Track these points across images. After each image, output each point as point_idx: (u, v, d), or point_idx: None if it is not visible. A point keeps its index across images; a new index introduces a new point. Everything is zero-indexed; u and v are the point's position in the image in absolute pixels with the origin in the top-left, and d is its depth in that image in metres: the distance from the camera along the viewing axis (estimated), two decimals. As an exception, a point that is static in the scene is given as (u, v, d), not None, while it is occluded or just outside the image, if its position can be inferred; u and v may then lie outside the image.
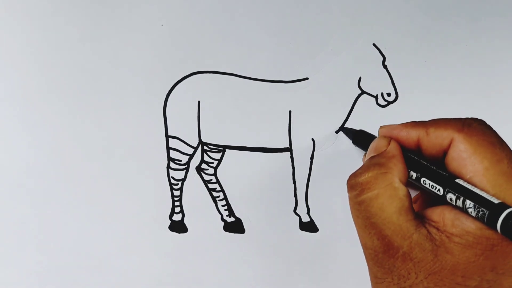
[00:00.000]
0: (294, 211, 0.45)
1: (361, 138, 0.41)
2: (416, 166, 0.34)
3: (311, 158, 0.45)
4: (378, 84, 0.44)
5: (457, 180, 0.31)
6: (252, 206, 0.45)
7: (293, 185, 0.45)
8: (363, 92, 0.44)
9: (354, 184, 0.33)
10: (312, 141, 0.45)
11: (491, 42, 0.45)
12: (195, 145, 0.44)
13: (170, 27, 0.43)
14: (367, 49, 0.44)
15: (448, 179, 0.31)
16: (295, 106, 0.44)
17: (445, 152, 0.32)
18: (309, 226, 0.45)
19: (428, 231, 0.31)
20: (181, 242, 0.45)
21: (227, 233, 0.45)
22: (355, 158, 0.45)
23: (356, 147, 0.43)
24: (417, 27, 0.44)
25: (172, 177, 0.44)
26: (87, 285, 0.45)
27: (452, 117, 0.34)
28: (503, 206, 0.28)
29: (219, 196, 0.45)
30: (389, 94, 0.44)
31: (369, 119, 0.45)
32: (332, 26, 0.44)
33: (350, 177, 0.34)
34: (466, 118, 0.33)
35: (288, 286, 0.45)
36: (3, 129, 0.43)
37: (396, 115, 0.45)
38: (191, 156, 0.44)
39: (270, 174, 0.45)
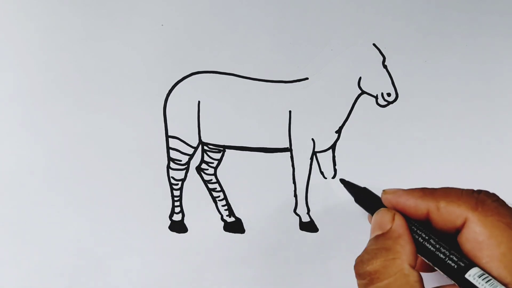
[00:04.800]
0: (294, 211, 0.45)
1: (364, 198, 0.38)
2: (422, 250, 0.32)
3: (311, 158, 0.45)
4: (378, 84, 0.44)
5: (467, 276, 0.29)
6: (252, 206, 0.45)
7: (293, 185, 0.45)
8: (363, 92, 0.44)
9: (363, 273, 0.31)
10: (312, 141, 0.45)
11: (491, 42, 0.45)
12: (195, 145, 0.44)
13: (170, 27, 0.43)
14: (367, 49, 0.44)
15: (459, 273, 0.30)
16: (295, 106, 0.44)
17: (457, 229, 0.31)
18: (309, 226, 0.45)
19: None
20: (181, 242, 0.45)
21: (227, 233, 0.45)
22: (355, 158, 0.45)
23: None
24: (417, 27, 0.44)
25: (172, 177, 0.44)
26: (87, 285, 0.45)
27: (465, 189, 0.32)
28: None
29: (219, 196, 0.45)
30: (389, 94, 0.44)
31: (369, 119, 0.45)
32: (332, 26, 0.44)
33: (357, 262, 0.32)
34: (480, 193, 0.32)
35: (288, 286, 0.45)
36: (3, 128, 0.43)
37: (396, 115, 0.45)
38: (191, 156, 0.44)
39: (270, 174, 0.45)
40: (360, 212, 0.42)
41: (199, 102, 0.44)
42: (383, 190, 0.35)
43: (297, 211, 0.45)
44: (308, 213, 0.45)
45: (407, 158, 0.45)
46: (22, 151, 0.43)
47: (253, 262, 0.45)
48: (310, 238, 0.45)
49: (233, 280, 0.45)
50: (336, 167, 0.45)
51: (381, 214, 0.34)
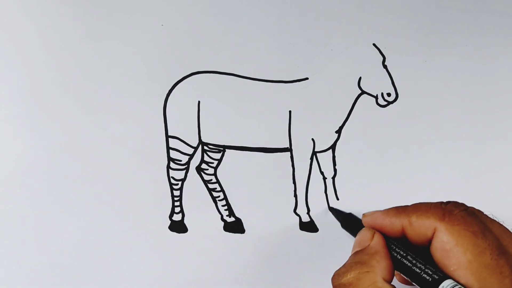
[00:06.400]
0: (294, 211, 0.45)
1: (349, 223, 0.41)
2: (400, 266, 0.33)
3: (311, 158, 0.45)
4: (378, 84, 0.44)
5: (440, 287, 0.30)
6: (252, 206, 0.45)
7: (293, 185, 0.45)
8: (363, 92, 0.44)
9: (338, 285, 0.33)
10: (312, 141, 0.45)
11: (491, 42, 0.45)
12: (195, 145, 0.44)
13: (170, 27, 0.43)
14: (367, 49, 0.44)
15: (433, 286, 0.31)
16: (295, 106, 0.44)
17: (429, 241, 0.32)
18: (309, 226, 0.45)
19: None
20: (181, 242, 0.45)
21: (227, 233, 0.45)
22: (355, 158, 0.45)
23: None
24: (417, 27, 0.44)
25: (172, 177, 0.44)
26: (87, 285, 0.45)
27: (433, 202, 0.33)
28: None
29: (219, 196, 0.45)
30: (389, 94, 0.44)
31: (369, 119, 0.45)
32: (332, 26, 0.44)
33: (334, 275, 0.33)
34: (448, 204, 0.33)
35: (288, 286, 0.45)
36: (3, 128, 0.43)
37: (396, 115, 0.45)
38: (191, 156, 0.44)
39: (270, 174, 0.45)
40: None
41: (199, 102, 0.44)
42: (363, 214, 0.37)
43: (297, 211, 0.45)
44: (308, 213, 0.45)
45: (407, 158, 0.45)
46: (22, 151, 0.43)
47: (253, 262, 0.45)
48: (310, 238, 0.45)
49: (233, 280, 0.45)
50: (336, 167, 0.45)
51: (362, 233, 0.36)
